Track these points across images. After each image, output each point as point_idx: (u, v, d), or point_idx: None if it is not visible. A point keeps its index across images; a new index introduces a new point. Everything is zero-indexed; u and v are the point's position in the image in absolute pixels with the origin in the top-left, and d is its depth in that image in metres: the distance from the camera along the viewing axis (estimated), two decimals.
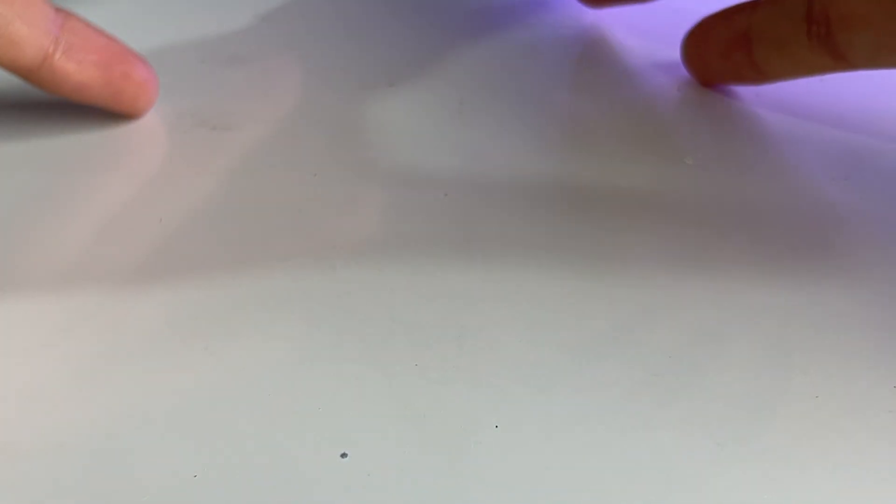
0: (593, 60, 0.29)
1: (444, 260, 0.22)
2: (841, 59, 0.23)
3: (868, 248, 0.23)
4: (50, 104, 0.25)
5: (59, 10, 0.23)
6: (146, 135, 0.25)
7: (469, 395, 0.19)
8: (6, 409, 0.19)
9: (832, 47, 0.23)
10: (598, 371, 0.20)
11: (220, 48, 0.28)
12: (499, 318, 0.21)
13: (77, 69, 0.23)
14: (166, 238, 0.22)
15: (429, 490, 0.17)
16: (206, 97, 0.26)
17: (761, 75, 0.26)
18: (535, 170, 0.24)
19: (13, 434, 0.18)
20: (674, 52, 0.29)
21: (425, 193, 0.23)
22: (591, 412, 0.19)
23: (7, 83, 0.25)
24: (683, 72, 0.29)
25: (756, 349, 0.20)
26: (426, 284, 0.21)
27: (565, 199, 0.24)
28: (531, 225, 0.23)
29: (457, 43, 0.29)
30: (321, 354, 0.20)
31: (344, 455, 0.18)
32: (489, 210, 0.23)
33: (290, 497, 0.17)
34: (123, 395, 0.19)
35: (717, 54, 0.27)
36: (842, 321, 0.21)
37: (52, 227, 0.22)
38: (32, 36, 0.22)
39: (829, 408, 0.19)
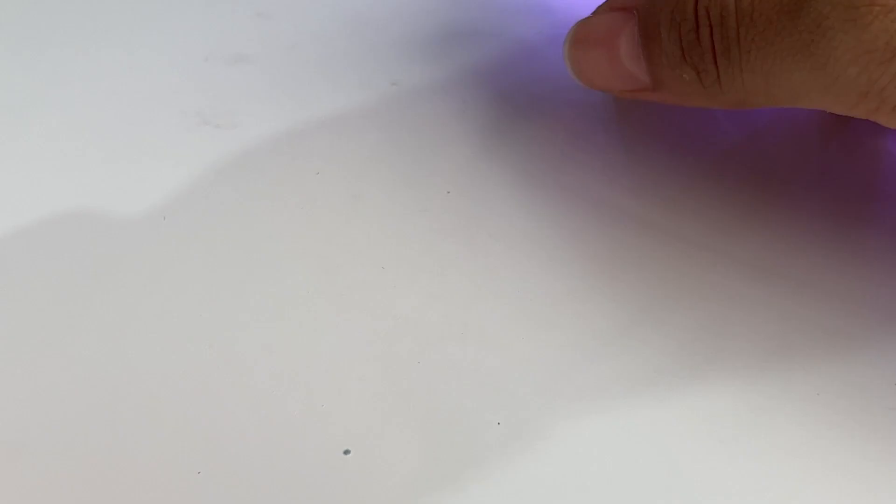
0: None
1: (447, 258, 0.22)
2: None
3: (869, 246, 0.23)
4: None
5: None
6: (149, 132, 0.25)
7: (471, 392, 0.19)
8: (7, 408, 0.19)
9: None
10: (601, 368, 0.20)
11: (224, 46, 0.28)
12: (501, 316, 0.21)
13: None
14: (169, 235, 0.22)
15: (431, 486, 0.17)
16: (210, 95, 0.26)
17: None
18: (538, 169, 0.24)
19: (13, 433, 0.18)
20: None
21: (428, 191, 0.24)
22: (593, 409, 0.19)
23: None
24: None
25: (757, 347, 0.20)
26: (429, 282, 0.21)
27: (567, 198, 0.24)
28: (534, 223, 0.23)
29: (459, 42, 0.29)
30: (323, 352, 0.20)
31: (347, 452, 0.18)
32: (492, 208, 0.23)
33: (293, 493, 0.17)
34: (126, 393, 0.19)
35: None
36: (842, 319, 0.21)
37: (52, 225, 0.22)
38: None
39: (831, 405, 0.19)
